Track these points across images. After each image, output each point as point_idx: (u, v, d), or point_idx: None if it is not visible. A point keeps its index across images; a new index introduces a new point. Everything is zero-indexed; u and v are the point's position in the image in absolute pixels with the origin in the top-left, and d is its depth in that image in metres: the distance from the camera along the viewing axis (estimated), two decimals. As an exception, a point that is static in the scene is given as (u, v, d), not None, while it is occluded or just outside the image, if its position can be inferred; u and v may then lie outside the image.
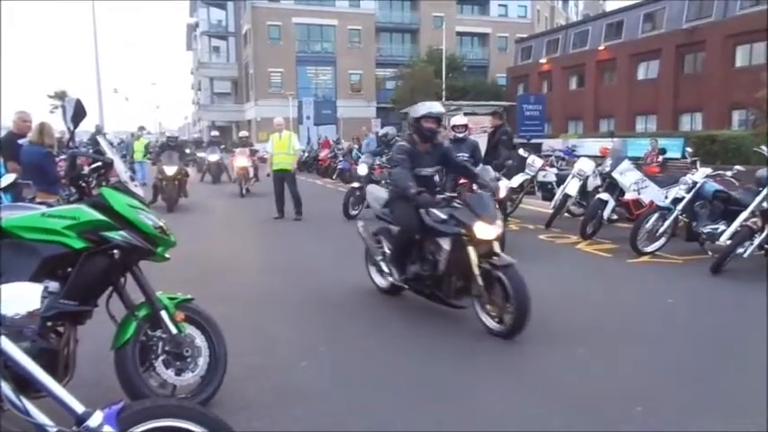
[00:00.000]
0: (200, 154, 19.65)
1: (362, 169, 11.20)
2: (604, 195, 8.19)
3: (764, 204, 6.21)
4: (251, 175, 15.56)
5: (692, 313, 5.07)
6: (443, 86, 37.61)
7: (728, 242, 6.26)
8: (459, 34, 49.27)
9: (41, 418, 1.54)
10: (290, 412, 3.12)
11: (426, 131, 4.99)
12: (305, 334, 4.46)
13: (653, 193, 7.99)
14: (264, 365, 3.76)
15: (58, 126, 7.95)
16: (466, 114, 11.59)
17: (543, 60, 37.93)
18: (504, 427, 2.96)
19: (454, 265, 4.44)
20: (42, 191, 5.46)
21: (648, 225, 7.07)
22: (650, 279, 6.23)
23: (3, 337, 1.57)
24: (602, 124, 32.79)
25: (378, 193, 5.64)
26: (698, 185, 6.89)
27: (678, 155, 15.70)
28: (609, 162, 8.54)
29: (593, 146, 18.08)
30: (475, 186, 5.34)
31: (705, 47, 27.38)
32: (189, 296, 3.18)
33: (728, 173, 7.53)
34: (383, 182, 10.87)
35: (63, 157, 5.40)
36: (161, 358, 2.97)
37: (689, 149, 9.50)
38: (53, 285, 2.57)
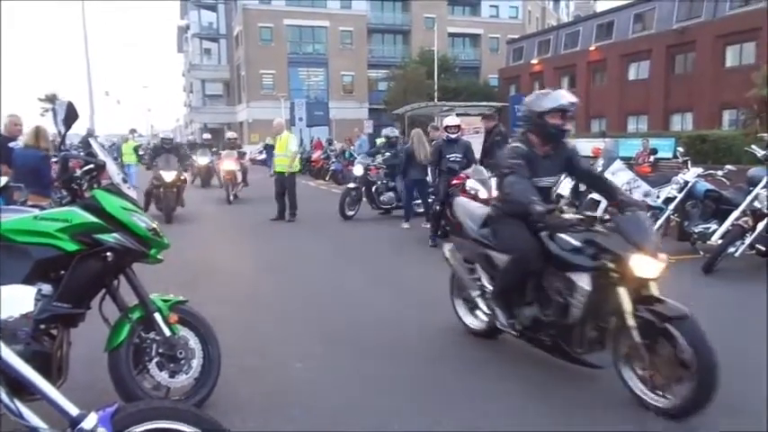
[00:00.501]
0: (194, 156, 19.46)
1: (358, 170, 11.25)
2: (597, 195, 8.22)
3: (755, 204, 6.26)
4: (239, 179, 14.46)
5: (684, 312, 5.09)
6: (435, 87, 37.66)
7: (720, 241, 6.30)
8: (451, 35, 49.37)
9: (36, 420, 1.54)
10: (284, 413, 3.12)
11: (552, 130, 3.67)
12: (300, 335, 4.46)
13: (644, 193, 8.03)
14: (258, 367, 3.76)
15: (50, 129, 7.91)
16: (458, 115, 11.60)
17: (535, 61, 38.11)
18: (493, 419, 2.97)
19: (594, 312, 3.32)
20: (36, 194, 5.45)
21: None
22: (642, 278, 6.24)
23: (-4, 340, 1.56)
24: (594, 124, 32.99)
25: (471, 209, 4.35)
26: (689, 185, 6.94)
27: (669, 155, 15.84)
28: (601, 162, 8.55)
29: (585, 146, 18.16)
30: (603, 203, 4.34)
31: (695, 47, 27.59)
32: (182, 298, 3.17)
33: (719, 172, 7.58)
34: (380, 182, 11.00)
35: (55, 159, 5.38)
36: (155, 360, 2.97)
37: (680, 149, 9.55)
38: (46, 288, 2.56)
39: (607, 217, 3.54)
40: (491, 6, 52.77)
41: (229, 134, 17.23)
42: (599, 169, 8.52)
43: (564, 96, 3.67)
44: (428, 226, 8.76)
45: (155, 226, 2.97)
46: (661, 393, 3.05)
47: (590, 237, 3.34)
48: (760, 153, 6.59)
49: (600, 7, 53.36)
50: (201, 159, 17.66)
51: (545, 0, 59.66)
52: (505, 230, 3.76)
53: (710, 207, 6.82)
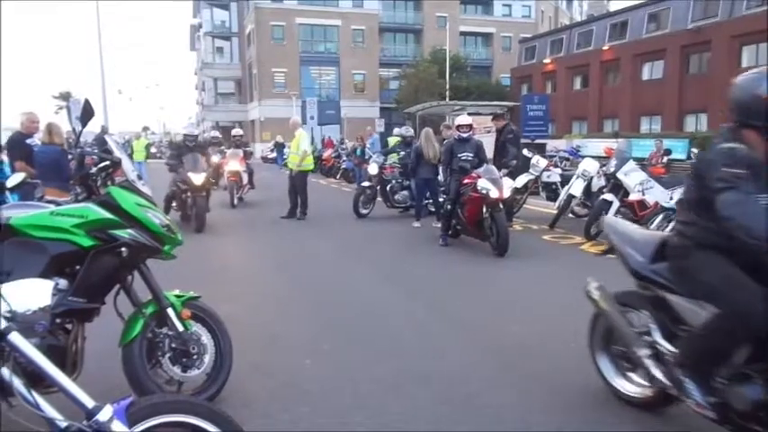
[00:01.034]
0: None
1: (373, 168, 11.37)
2: (609, 196, 8.19)
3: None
4: (245, 181, 13.22)
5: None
6: (447, 86, 37.60)
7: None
8: (463, 34, 49.25)
9: (52, 412, 1.57)
10: (292, 410, 3.14)
11: None
12: (309, 333, 4.48)
13: (658, 194, 7.98)
14: (268, 363, 3.78)
15: (65, 126, 8.02)
16: (470, 114, 11.60)
17: (547, 60, 37.91)
18: (503, 427, 2.98)
19: None
20: (57, 188, 5.58)
21: (653, 226, 7.07)
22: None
23: (15, 332, 1.59)
24: (607, 125, 32.78)
25: (632, 233, 3.17)
26: (703, 186, 6.87)
27: (683, 156, 15.68)
28: (613, 162, 8.54)
29: (597, 146, 18.08)
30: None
31: (711, 47, 27.31)
32: (195, 294, 3.20)
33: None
34: (394, 181, 11.08)
35: (70, 156, 5.47)
36: (167, 355, 3.00)
37: (694, 150, 9.50)
38: (63, 283, 2.59)
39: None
40: (504, 5, 52.58)
41: (235, 131, 15.42)
42: (611, 169, 8.52)
43: None
44: (439, 225, 8.76)
45: (168, 222, 3.00)
46: None
47: None
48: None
49: (613, 6, 53.08)
50: (211, 158, 16.97)
51: (558, -1, 59.36)
52: (710, 272, 2.57)
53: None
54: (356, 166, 17.37)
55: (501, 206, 7.50)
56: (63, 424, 1.53)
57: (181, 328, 3.02)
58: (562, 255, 7.56)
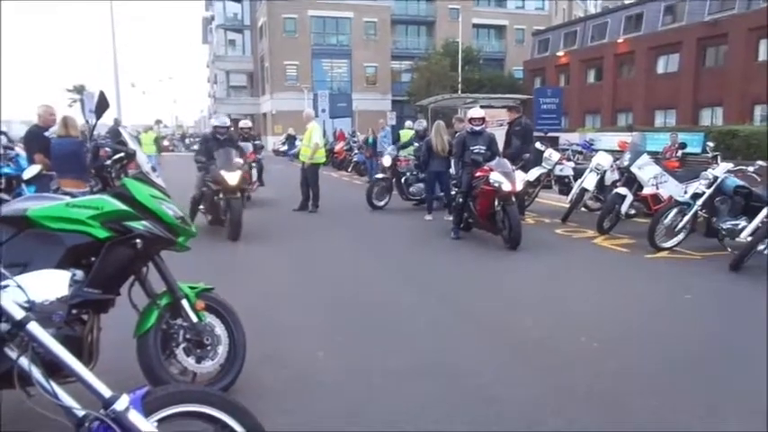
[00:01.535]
0: None
1: (387, 161, 11.47)
2: (622, 190, 8.13)
3: (787, 200, 6.08)
4: (253, 178, 11.73)
5: (710, 310, 5.03)
6: (459, 79, 37.41)
7: (749, 239, 6.17)
8: (476, 26, 48.93)
9: (69, 401, 1.59)
10: (306, 400, 3.16)
11: None
12: (322, 325, 4.50)
13: (672, 188, 7.92)
14: (280, 355, 3.80)
15: (78, 119, 8.09)
16: (482, 107, 11.55)
17: (561, 53, 37.54)
18: (507, 419, 2.97)
19: None
20: (76, 179, 5.64)
21: (667, 220, 7.00)
22: (668, 275, 6.17)
23: (33, 322, 1.61)
24: (620, 118, 32.40)
25: None
26: (719, 181, 6.81)
27: (698, 150, 15.51)
28: (627, 156, 8.47)
29: (610, 140, 17.92)
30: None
31: (727, 40, 26.91)
32: (209, 286, 3.23)
33: (750, 168, 7.41)
34: (409, 174, 11.16)
35: (86, 148, 5.53)
36: (182, 346, 3.03)
37: (710, 144, 9.39)
38: (79, 274, 2.62)
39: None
40: (517, -3, 52.18)
41: (243, 122, 13.75)
42: (625, 163, 8.45)
43: None
44: (450, 218, 8.74)
45: (182, 214, 3.02)
46: None
47: None
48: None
49: (628, -2, 52.32)
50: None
51: (572, -9, 58.68)
52: None
53: (740, 203, 6.68)
54: (367, 159, 17.36)
55: (513, 199, 7.47)
56: (80, 413, 1.55)
57: (195, 320, 3.04)
58: (575, 249, 7.52)
